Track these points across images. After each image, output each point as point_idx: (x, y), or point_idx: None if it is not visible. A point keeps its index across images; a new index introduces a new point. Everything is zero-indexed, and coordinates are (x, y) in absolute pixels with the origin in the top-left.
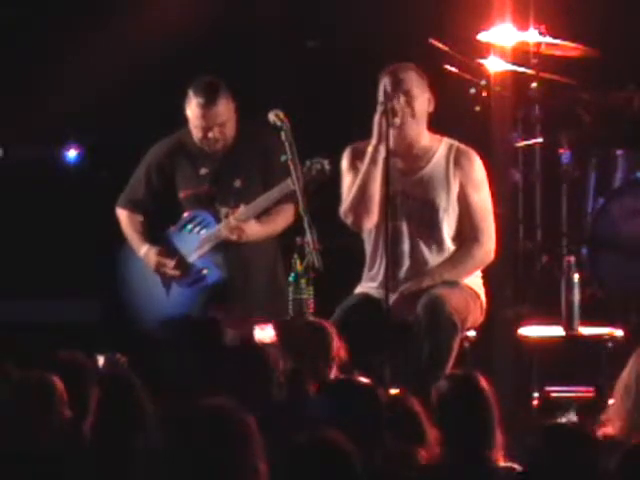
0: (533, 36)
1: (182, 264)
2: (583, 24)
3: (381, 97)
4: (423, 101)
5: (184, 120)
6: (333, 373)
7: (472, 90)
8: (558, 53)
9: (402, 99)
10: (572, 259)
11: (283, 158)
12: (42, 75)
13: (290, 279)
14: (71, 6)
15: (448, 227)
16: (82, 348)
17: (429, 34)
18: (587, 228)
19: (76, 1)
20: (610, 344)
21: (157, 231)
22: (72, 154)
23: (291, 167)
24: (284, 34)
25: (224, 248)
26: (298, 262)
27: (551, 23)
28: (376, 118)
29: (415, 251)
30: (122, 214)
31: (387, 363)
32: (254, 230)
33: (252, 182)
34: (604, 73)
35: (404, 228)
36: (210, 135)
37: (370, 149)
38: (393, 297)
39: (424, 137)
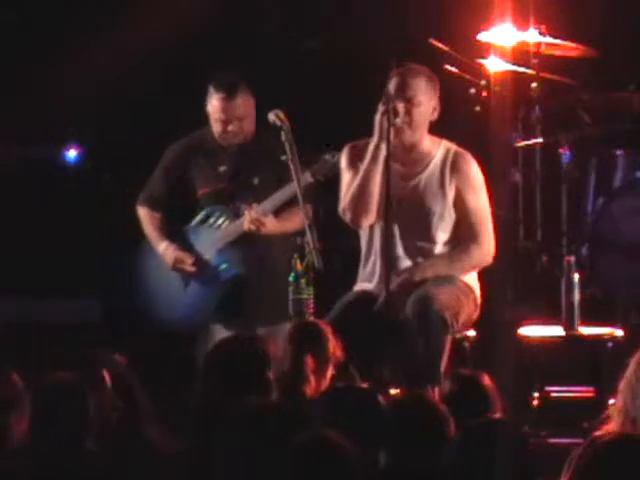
0: (533, 36)
1: (200, 260)
2: (583, 24)
3: (385, 96)
4: (426, 109)
5: (201, 120)
6: (330, 372)
7: (472, 90)
8: (558, 53)
9: (403, 105)
10: (572, 259)
11: (283, 158)
12: (42, 75)
13: (290, 279)
14: (71, 6)
15: (442, 233)
16: (81, 348)
17: (429, 34)
18: (587, 228)
19: (76, 1)
20: (610, 344)
21: (175, 228)
22: (72, 154)
23: (291, 167)
24: (284, 34)
25: (242, 244)
26: (298, 262)
27: (551, 23)
28: (377, 117)
29: (406, 255)
30: (142, 212)
31: (386, 362)
32: (272, 224)
33: (268, 181)
34: (604, 73)
35: (397, 232)
36: (229, 129)
37: (371, 147)
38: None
39: (424, 141)
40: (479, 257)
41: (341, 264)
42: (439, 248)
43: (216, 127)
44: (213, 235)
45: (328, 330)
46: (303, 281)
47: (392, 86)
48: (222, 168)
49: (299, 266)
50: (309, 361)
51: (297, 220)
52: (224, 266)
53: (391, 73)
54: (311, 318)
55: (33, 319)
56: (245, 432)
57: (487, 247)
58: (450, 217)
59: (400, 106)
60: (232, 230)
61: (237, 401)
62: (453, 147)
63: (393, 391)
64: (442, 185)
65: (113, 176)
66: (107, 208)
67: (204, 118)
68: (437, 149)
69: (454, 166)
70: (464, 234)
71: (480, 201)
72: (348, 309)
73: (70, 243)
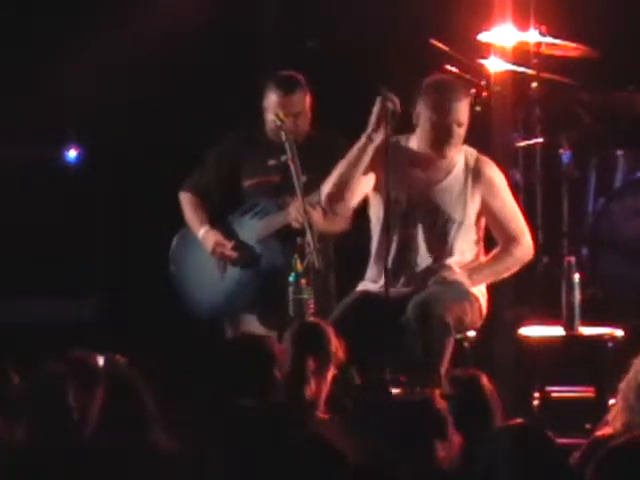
0: (533, 36)
1: (240, 247)
2: (583, 24)
3: (431, 113)
4: (466, 128)
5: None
6: (331, 373)
7: (472, 90)
8: (558, 53)
9: (456, 127)
10: (572, 259)
11: (283, 158)
12: (42, 75)
13: (290, 279)
14: (71, 6)
15: (461, 241)
16: (79, 348)
17: (429, 34)
18: (587, 228)
19: (76, 1)
20: (610, 344)
21: (218, 218)
22: (72, 154)
23: (291, 167)
24: (284, 34)
25: (283, 236)
26: (298, 262)
27: (551, 23)
28: (375, 109)
29: (423, 261)
30: (185, 197)
31: (387, 363)
32: (318, 217)
33: (318, 182)
34: (604, 73)
35: (415, 237)
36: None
37: (363, 137)
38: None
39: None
40: (520, 254)
41: (342, 263)
42: (457, 255)
43: (270, 122)
44: (256, 225)
45: (330, 331)
46: (303, 281)
47: (439, 102)
48: (272, 162)
49: (299, 266)
50: (310, 362)
51: (340, 222)
52: (263, 255)
53: (432, 87)
54: (311, 318)
55: (32, 319)
56: (244, 432)
57: (527, 243)
58: (469, 226)
59: (453, 127)
60: (275, 221)
61: (238, 401)
62: (474, 153)
63: (393, 391)
64: (464, 193)
65: (113, 176)
66: (107, 208)
67: (204, 117)
68: (459, 155)
69: (476, 174)
70: (500, 237)
71: (507, 203)
72: (350, 311)
73: (69, 243)
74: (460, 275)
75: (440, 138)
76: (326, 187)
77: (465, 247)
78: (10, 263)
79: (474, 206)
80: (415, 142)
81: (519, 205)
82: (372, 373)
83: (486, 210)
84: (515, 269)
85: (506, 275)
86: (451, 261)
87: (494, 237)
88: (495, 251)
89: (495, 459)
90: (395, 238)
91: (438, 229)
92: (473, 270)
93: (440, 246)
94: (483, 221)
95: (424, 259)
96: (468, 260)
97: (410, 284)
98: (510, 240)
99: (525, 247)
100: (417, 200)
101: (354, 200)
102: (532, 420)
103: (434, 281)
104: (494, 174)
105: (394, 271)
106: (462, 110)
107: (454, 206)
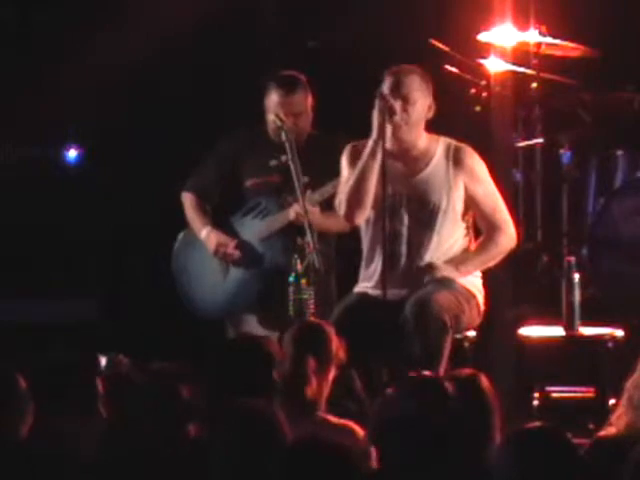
0: (533, 36)
1: (242, 246)
2: (583, 24)
3: (380, 93)
4: (422, 106)
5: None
6: (332, 373)
7: (472, 90)
8: (558, 53)
9: (399, 103)
10: (572, 259)
11: (284, 158)
12: (42, 75)
13: (290, 279)
14: (71, 6)
15: (448, 229)
16: (80, 348)
17: (429, 34)
18: (587, 228)
19: (76, 1)
20: (610, 344)
21: (220, 219)
22: (72, 154)
23: (291, 167)
24: (284, 34)
25: (285, 235)
26: (298, 262)
27: (551, 23)
28: (374, 113)
29: (412, 252)
30: (188, 198)
31: (385, 363)
32: (316, 216)
33: (319, 182)
34: (604, 73)
35: (402, 229)
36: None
37: (370, 143)
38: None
39: (422, 139)
40: (505, 242)
41: (341, 264)
42: (445, 244)
43: (270, 122)
44: (258, 225)
45: (331, 331)
46: (303, 281)
47: (387, 85)
48: (273, 162)
49: (299, 266)
50: (311, 362)
51: (340, 221)
52: (265, 254)
53: (385, 73)
54: (312, 318)
55: (33, 319)
56: (240, 433)
57: (510, 231)
58: (455, 213)
59: (397, 104)
60: (277, 220)
61: (235, 402)
62: (452, 142)
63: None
64: (447, 181)
65: (113, 176)
66: (106, 208)
67: (204, 118)
68: (436, 145)
69: (457, 161)
70: (484, 226)
71: (489, 190)
72: (348, 313)
73: (70, 243)
74: (448, 270)
75: (387, 114)
76: (343, 198)
77: (453, 239)
78: (10, 263)
79: (458, 193)
80: (390, 140)
81: (519, 205)
82: (371, 374)
83: (471, 199)
84: (500, 258)
85: (491, 264)
86: (440, 255)
87: (479, 227)
88: (480, 240)
89: (513, 462)
90: (383, 235)
91: (425, 219)
92: (460, 262)
93: (428, 238)
94: (471, 213)
95: (413, 253)
96: (457, 252)
97: (403, 283)
98: (495, 229)
99: (509, 236)
100: (401, 192)
101: (370, 206)
102: (531, 420)
103: (427, 282)
104: (475, 163)
105: (387, 267)
106: (410, 85)
107: (438, 194)
